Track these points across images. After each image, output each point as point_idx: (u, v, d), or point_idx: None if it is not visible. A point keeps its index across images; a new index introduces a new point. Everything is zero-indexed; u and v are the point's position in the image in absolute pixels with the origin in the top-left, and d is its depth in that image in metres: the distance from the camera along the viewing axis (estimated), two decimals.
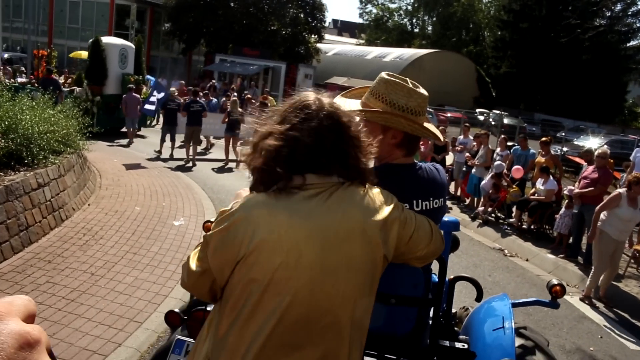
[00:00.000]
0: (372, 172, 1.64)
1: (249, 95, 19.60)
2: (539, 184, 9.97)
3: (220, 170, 13.23)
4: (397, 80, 2.04)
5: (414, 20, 63.91)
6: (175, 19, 37.35)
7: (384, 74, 2.08)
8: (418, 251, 1.72)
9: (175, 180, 10.77)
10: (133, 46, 17.04)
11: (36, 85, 14.20)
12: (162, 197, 9.12)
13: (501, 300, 2.86)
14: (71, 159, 8.14)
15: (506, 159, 11.55)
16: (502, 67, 44.30)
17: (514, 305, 2.81)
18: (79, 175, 8.38)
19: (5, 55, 29.01)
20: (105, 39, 16.19)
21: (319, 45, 41.85)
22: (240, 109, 14.14)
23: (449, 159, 13.38)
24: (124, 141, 15.25)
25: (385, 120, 1.98)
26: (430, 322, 2.34)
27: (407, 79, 2.08)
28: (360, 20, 69.70)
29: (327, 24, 50.16)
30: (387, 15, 63.65)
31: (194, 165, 13.39)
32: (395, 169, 2.01)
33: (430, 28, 62.35)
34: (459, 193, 13.04)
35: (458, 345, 2.39)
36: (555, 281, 2.87)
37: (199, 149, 14.72)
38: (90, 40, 15.65)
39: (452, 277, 2.79)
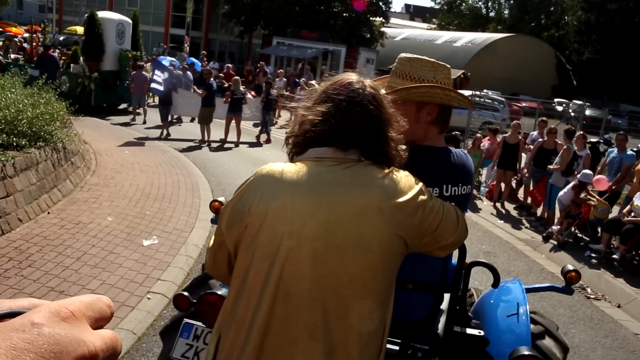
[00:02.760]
0: (401, 156, 1.57)
1: (303, 79, 18.52)
2: (638, 199, 7.56)
3: (239, 161, 11.51)
4: (420, 57, 2.00)
5: (489, 4, 60.22)
6: (233, 1, 35.99)
7: (403, 54, 2.05)
8: (443, 240, 1.60)
9: (183, 179, 9.05)
10: (130, 21, 16.07)
11: (33, 62, 13.07)
12: (152, 202, 7.44)
13: (514, 284, 2.74)
14: (35, 154, 6.59)
15: (587, 161, 9.20)
16: (586, 53, 40.95)
17: (528, 290, 2.70)
18: (46, 175, 6.81)
19: (61, 38, 28.67)
20: (102, 14, 15.34)
21: (386, 29, 39.49)
22: (242, 88, 13.91)
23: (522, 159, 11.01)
24: (122, 119, 14.81)
25: (422, 94, 1.92)
26: (444, 307, 2.23)
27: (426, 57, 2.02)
28: (432, 5, 66.39)
29: (398, 10, 47.93)
30: None
31: (209, 145, 13.13)
32: (427, 152, 1.92)
33: (506, 12, 58.49)
34: (528, 201, 10.70)
35: (474, 331, 2.25)
36: (570, 267, 2.80)
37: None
38: (86, 15, 14.53)
39: (467, 262, 2.37)
